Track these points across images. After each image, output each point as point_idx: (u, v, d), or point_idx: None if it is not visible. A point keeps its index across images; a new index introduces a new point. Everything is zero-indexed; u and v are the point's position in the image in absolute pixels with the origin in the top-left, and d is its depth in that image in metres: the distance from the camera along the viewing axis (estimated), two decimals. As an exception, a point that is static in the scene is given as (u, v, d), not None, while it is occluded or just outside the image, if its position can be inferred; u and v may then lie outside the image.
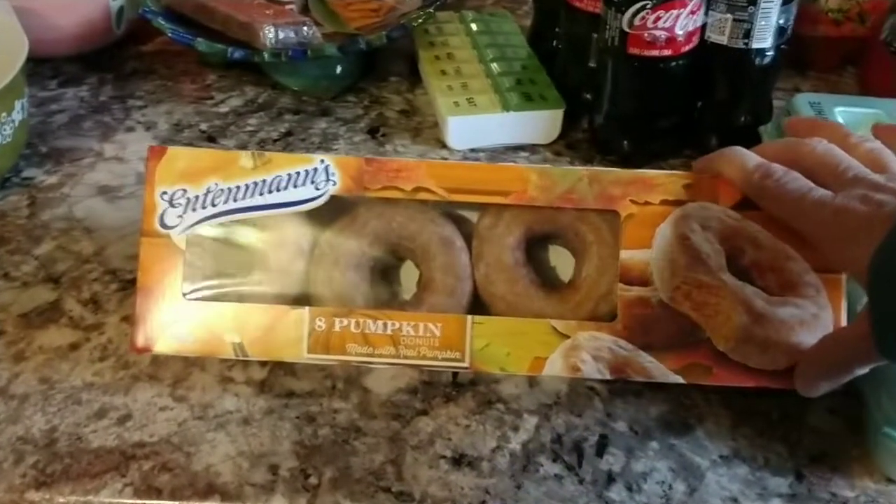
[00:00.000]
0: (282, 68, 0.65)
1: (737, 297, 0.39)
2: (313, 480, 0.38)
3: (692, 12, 0.52)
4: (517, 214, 0.42)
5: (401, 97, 0.67)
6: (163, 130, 0.62)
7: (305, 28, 0.62)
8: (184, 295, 0.40)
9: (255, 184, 0.41)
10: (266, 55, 0.60)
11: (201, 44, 0.60)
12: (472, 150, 0.60)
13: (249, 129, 0.62)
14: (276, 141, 0.61)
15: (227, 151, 0.42)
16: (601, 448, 0.40)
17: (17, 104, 0.54)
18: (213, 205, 0.41)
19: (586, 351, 0.39)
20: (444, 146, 0.61)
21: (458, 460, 0.39)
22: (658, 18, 0.52)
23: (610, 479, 0.38)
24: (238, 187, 0.41)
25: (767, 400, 0.42)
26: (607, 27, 0.54)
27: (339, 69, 0.66)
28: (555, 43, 0.65)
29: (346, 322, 0.40)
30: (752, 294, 0.39)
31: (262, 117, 0.64)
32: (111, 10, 0.66)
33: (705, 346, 0.39)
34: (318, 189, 0.41)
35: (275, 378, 0.43)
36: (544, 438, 0.40)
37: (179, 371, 0.43)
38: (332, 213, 0.41)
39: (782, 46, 0.56)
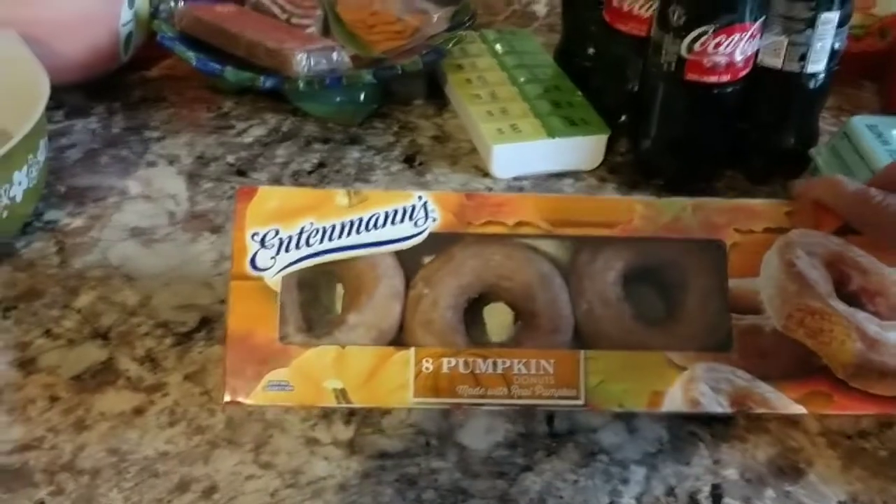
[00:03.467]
0: (305, 94, 0.62)
1: (850, 323, 0.38)
2: (428, 551, 0.35)
3: (753, 36, 0.51)
4: (617, 249, 0.40)
5: (430, 122, 0.64)
6: (187, 164, 0.58)
7: (335, 54, 0.59)
8: (280, 339, 0.37)
9: (352, 222, 0.38)
10: (301, 84, 0.57)
11: (231, 73, 0.57)
12: (516, 179, 0.58)
13: (279, 160, 0.59)
14: (310, 173, 0.58)
15: (320, 190, 0.39)
16: (717, 499, 0.38)
17: (41, 143, 0.50)
18: (308, 244, 0.38)
19: (704, 382, 0.38)
20: (485, 174, 0.59)
21: (572, 520, 0.37)
22: (719, 44, 0.50)
23: (737, 530, 0.37)
24: (334, 226, 0.38)
25: (871, 438, 0.41)
26: (663, 52, 0.52)
27: (363, 95, 0.63)
28: (587, 63, 0.64)
29: (454, 362, 0.38)
30: (864, 319, 0.38)
31: (290, 147, 0.61)
32: (120, 36, 0.62)
33: (823, 373, 0.38)
34: (417, 226, 0.39)
35: (363, 438, 0.40)
36: (657, 491, 0.38)
37: (259, 433, 0.40)
38: (427, 251, 0.39)
39: (833, 68, 0.55)
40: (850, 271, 0.40)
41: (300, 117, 0.64)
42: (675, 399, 0.38)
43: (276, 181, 0.57)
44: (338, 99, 0.63)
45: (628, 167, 0.60)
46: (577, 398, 0.37)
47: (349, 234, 0.38)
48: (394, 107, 0.66)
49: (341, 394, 0.37)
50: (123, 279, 0.49)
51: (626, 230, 0.40)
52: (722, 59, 0.51)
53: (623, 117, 0.61)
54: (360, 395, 0.37)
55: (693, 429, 0.41)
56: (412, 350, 0.37)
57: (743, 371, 0.38)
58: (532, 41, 0.70)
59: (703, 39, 0.50)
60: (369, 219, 0.38)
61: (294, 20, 0.65)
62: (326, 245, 0.38)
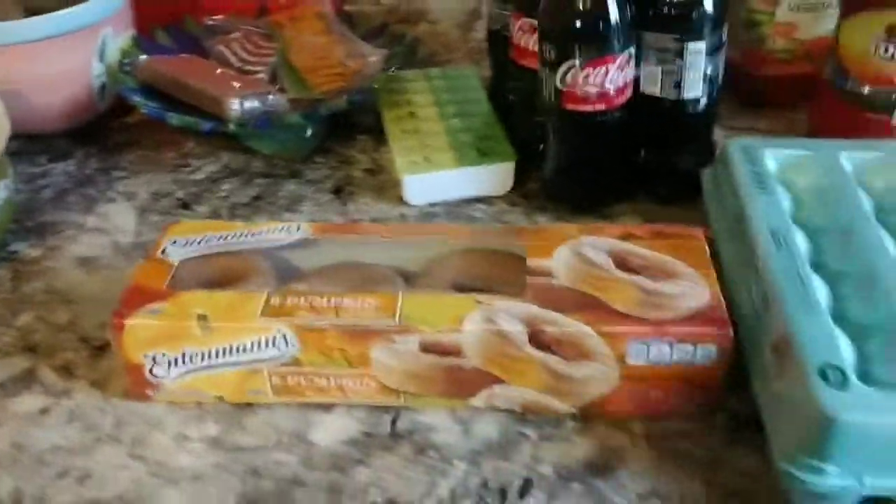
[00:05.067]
0: (253, 134, 0.69)
1: (628, 281, 0.46)
2: (254, 531, 0.40)
3: (620, 68, 0.55)
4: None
5: (367, 156, 0.70)
6: (142, 200, 0.66)
7: (270, 97, 0.66)
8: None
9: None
10: (233, 126, 0.64)
11: (173, 118, 0.65)
12: (431, 205, 0.63)
13: (222, 194, 0.66)
14: (245, 205, 0.65)
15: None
16: (524, 492, 0.42)
17: (1, 184, 0.58)
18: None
19: (501, 310, 0.44)
20: (403, 202, 0.64)
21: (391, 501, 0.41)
22: (588, 76, 0.54)
23: (530, 519, 0.41)
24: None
25: (694, 439, 0.44)
26: (545, 85, 0.57)
27: (308, 132, 0.70)
28: (511, 97, 0.68)
29: (297, 299, 0.45)
30: (641, 280, 0.46)
31: (235, 182, 0.68)
32: (93, 87, 0.71)
33: (606, 309, 0.44)
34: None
35: (226, 434, 0.46)
36: (471, 483, 0.42)
37: (139, 431, 0.46)
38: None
39: (714, 94, 0.58)
40: (631, 258, 0.47)
41: (251, 155, 0.71)
42: (474, 320, 0.43)
43: (216, 213, 0.64)
44: (285, 137, 0.69)
45: (537, 193, 0.64)
46: (392, 322, 0.43)
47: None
48: (338, 142, 0.72)
49: (203, 318, 0.44)
50: (62, 301, 0.56)
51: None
52: (593, 90, 0.55)
53: (541, 146, 0.66)
54: (218, 316, 0.44)
55: (523, 430, 0.45)
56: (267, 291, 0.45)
57: (537, 304, 0.44)
58: (473, 79, 0.75)
59: (572, 72, 0.55)
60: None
61: (247, 67, 0.72)
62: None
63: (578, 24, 0.53)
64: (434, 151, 0.64)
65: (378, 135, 0.72)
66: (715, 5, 0.55)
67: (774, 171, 0.54)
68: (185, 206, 0.65)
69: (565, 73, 0.55)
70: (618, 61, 0.54)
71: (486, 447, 0.44)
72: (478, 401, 0.46)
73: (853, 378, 0.38)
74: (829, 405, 0.37)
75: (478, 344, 0.44)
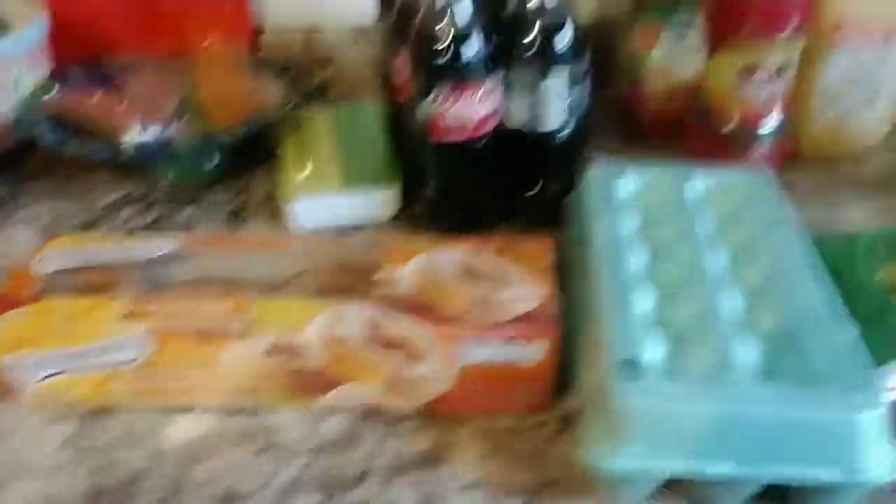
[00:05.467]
0: (157, 164, 0.72)
1: (469, 291, 0.49)
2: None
3: (482, 100, 0.59)
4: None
5: (265, 184, 0.73)
6: (45, 224, 0.69)
7: (171, 127, 0.69)
8: None
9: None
10: (126, 154, 0.67)
11: (73, 147, 0.68)
12: (319, 229, 0.66)
13: (122, 218, 0.69)
14: (143, 228, 0.68)
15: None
16: (359, 481, 0.44)
17: None
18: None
19: (346, 314, 0.47)
20: (293, 227, 0.67)
21: (227, 497, 0.43)
22: (450, 106, 0.58)
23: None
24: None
25: (524, 435, 0.47)
26: (416, 115, 0.61)
27: (212, 163, 0.73)
28: (400, 129, 0.72)
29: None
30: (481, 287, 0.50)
31: (137, 207, 0.70)
32: (7, 120, 0.74)
33: (442, 318, 0.47)
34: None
35: (83, 435, 0.48)
36: (310, 475, 0.45)
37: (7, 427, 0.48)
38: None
39: (578, 124, 0.62)
40: (477, 268, 0.51)
41: (153, 184, 0.74)
42: (318, 323, 0.47)
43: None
44: (188, 166, 0.73)
45: (420, 218, 0.67)
46: (241, 324, 0.46)
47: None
48: (240, 172, 0.75)
49: (64, 322, 0.47)
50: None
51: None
52: (455, 120, 0.59)
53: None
54: (77, 320, 0.48)
55: (366, 427, 0.48)
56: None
57: (379, 308, 0.47)
58: (371, 114, 0.78)
59: (435, 104, 0.58)
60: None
61: (156, 102, 0.76)
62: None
63: (440, 57, 0.57)
64: (322, 177, 0.67)
65: (278, 165, 0.75)
66: (573, 39, 0.59)
67: (628, 193, 0.58)
68: (85, 230, 0.68)
69: (431, 104, 0.59)
70: (480, 93, 0.58)
71: (329, 443, 0.47)
72: (326, 400, 0.48)
73: (650, 370, 0.41)
74: (623, 393, 0.40)
75: (321, 345, 0.46)
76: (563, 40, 0.59)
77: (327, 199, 0.66)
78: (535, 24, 0.59)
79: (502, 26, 0.59)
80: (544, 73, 0.59)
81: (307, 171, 0.68)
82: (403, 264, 0.51)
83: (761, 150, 0.69)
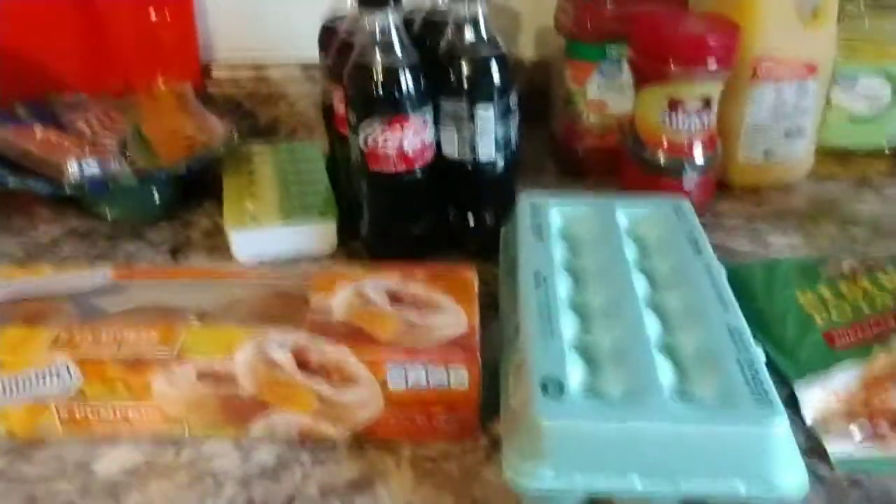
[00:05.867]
0: (102, 200, 0.73)
1: (394, 314, 0.50)
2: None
3: (416, 132, 0.60)
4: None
5: (209, 220, 0.74)
6: (-18, 259, 0.69)
7: (111, 163, 0.70)
8: None
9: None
10: (68, 189, 0.68)
11: (11, 182, 0.68)
12: (260, 262, 0.67)
13: (64, 254, 0.69)
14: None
15: None
16: (287, 509, 0.45)
17: None
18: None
19: (272, 340, 0.48)
20: (234, 261, 0.67)
21: (155, 525, 0.44)
22: (386, 139, 0.60)
23: (285, 534, 0.43)
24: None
25: (454, 459, 0.47)
26: (352, 148, 0.62)
27: (156, 198, 0.74)
28: (340, 164, 0.74)
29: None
30: (406, 312, 0.51)
31: (79, 243, 0.71)
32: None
33: (371, 340, 0.48)
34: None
35: (12, 466, 0.48)
36: (239, 502, 0.45)
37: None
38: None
39: (510, 156, 0.64)
40: (404, 295, 0.51)
41: (97, 220, 0.74)
42: (246, 349, 0.47)
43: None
44: (132, 203, 0.73)
45: (360, 251, 0.68)
46: (169, 352, 0.47)
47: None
48: (184, 208, 0.76)
49: None
50: None
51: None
52: (391, 152, 0.60)
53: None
54: (5, 350, 0.48)
55: (298, 455, 0.48)
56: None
57: (307, 334, 0.47)
58: (315, 151, 0.80)
59: (371, 136, 0.60)
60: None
61: (99, 139, 0.76)
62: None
63: (374, 90, 0.59)
64: (263, 212, 0.68)
65: (221, 200, 0.76)
66: (501, 73, 0.61)
67: (558, 223, 0.60)
68: (23, 263, 0.68)
69: (366, 137, 0.60)
70: (413, 125, 0.60)
71: (259, 471, 0.47)
72: (257, 429, 0.49)
73: (570, 390, 0.43)
74: (543, 412, 0.41)
75: (249, 371, 0.47)
76: (493, 76, 0.61)
77: (267, 232, 0.67)
78: (466, 60, 0.61)
79: (435, 62, 0.61)
80: (475, 107, 0.61)
81: (249, 206, 0.69)
82: (334, 292, 0.52)
83: (691, 181, 0.71)
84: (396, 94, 0.59)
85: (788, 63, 0.72)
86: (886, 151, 0.80)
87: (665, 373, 0.45)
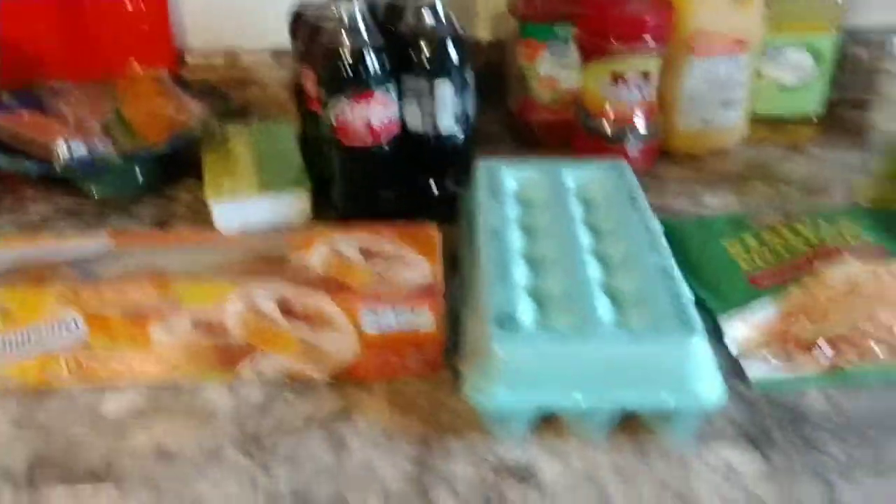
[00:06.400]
0: (89, 179, 0.78)
1: (366, 267, 0.57)
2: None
3: (381, 106, 0.66)
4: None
5: (191, 196, 0.80)
6: (-23, 236, 0.73)
7: (97, 143, 0.75)
8: None
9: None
10: (59, 169, 0.73)
11: (5, 163, 0.73)
12: (241, 232, 0.73)
13: (53, 231, 0.74)
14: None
15: None
16: (276, 438, 0.51)
17: None
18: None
19: (259, 291, 0.53)
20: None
21: (160, 457, 0.49)
22: (353, 112, 0.66)
23: (276, 456, 0.49)
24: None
25: (423, 393, 0.54)
26: (323, 123, 0.68)
27: (140, 176, 0.79)
28: (311, 140, 0.79)
29: None
30: (379, 267, 0.55)
31: (67, 221, 0.76)
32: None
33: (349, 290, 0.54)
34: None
35: (26, 412, 0.53)
36: (232, 433, 0.51)
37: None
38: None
39: (468, 127, 0.70)
40: (373, 250, 0.57)
41: (84, 198, 0.79)
42: (235, 299, 0.53)
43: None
44: (117, 182, 0.78)
45: (330, 218, 0.74)
46: (166, 304, 0.53)
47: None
48: (168, 186, 0.81)
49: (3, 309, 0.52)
50: None
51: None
52: (359, 124, 0.66)
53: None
54: (16, 306, 0.53)
55: (283, 393, 0.54)
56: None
57: (290, 285, 0.53)
58: (287, 130, 0.85)
59: (341, 112, 0.66)
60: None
61: (84, 123, 0.81)
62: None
63: (343, 71, 0.65)
64: (242, 185, 0.74)
65: (202, 177, 0.81)
66: (457, 52, 0.67)
67: (512, 186, 0.66)
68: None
69: (337, 113, 0.66)
70: (378, 100, 0.66)
71: (249, 407, 0.53)
72: (247, 372, 0.55)
73: (521, 323, 0.49)
74: (498, 342, 0.48)
75: (239, 319, 0.53)
76: (449, 54, 0.67)
77: (246, 203, 0.72)
78: (425, 40, 0.67)
79: (398, 43, 0.67)
80: (434, 83, 0.67)
81: (228, 180, 0.75)
82: (311, 250, 0.57)
83: (634, 147, 0.78)
84: (363, 73, 0.65)
85: (721, 39, 0.79)
86: (814, 118, 0.87)
87: (605, 308, 0.52)
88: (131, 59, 0.91)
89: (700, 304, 0.60)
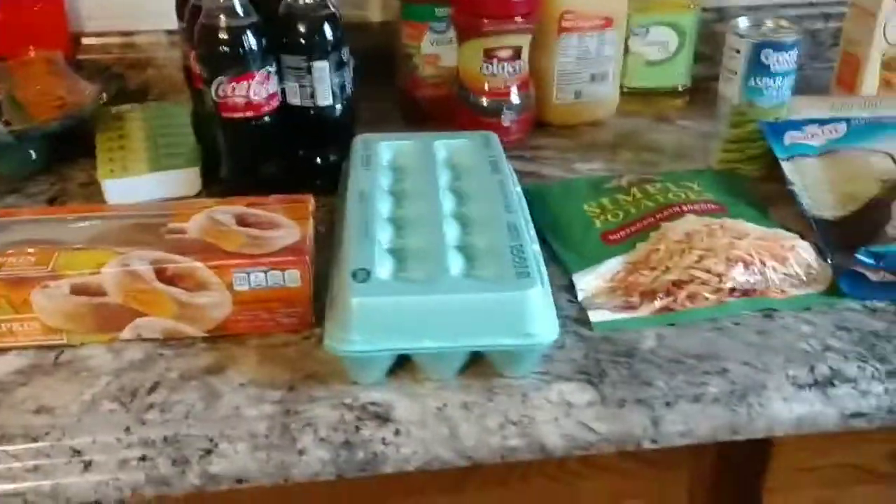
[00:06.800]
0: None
1: (241, 230, 0.60)
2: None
3: (260, 82, 0.70)
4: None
5: (84, 173, 0.82)
6: None
7: (-13, 124, 0.77)
8: None
9: None
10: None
11: None
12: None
13: (-55, 209, 0.76)
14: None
15: None
16: (151, 391, 0.54)
17: None
18: None
19: (135, 257, 0.57)
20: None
21: (39, 410, 0.53)
22: (233, 89, 0.69)
23: (150, 407, 0.53)
24: None
25: (292, 346, 0.58)
26: (207, 99, 0.71)
27: (33, 155, 0.81)
28: (200, 116, 0.82)
29: None
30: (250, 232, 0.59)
31: (-41, 199, 0.78)
32: None
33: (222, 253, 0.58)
34: None
35: None
36: (111, 389, 0.54)
37: None
38: None
39: (346, 102, 0.74)
40: (249, 217, 0.61)
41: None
42: (112, 265, 0.56)
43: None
44: (10, 160, 0.80)
45: (223, 192, 0.77)
46: (45, 270, 0.55)
47: None
48: (61, 164, 0.83)
49: None
50: None
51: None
52: (239, 100, 0.70)
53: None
54: None
55: (162, 351, 0.58)
56: None
57: (164, 252, 0.57)
58: (181, 110, 0.88)
59: (221, 87, 0.69)
60: None
61: (-23, 103, 0.83)
62: None
63: (221, 48, 0.68)
64: (132, 162, 0.77)
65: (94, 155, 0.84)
66: (333, 33, 0.71)
67: (387, 156, 0.70)
68: None
69: (217, 88, 0.69)
70: (257, 77, 0.69)
71: (129, 365, 0.57)
72: (127, 333, 0.58)
73: (375, 277, 0.53)
74: (352, 292, 0.52)
75: (115, 282, 0.56)
76: (326, 33, 0.71)
77: (136, 180, 0.75)
78: (301, 20, 0.71)
79: (275, 21, 0.71)
80: (311, 61, 0.71)
81: (119, 158, 0.78)
82: (189, 219, 0.61)
83: (509, 119, 0.83)
84: (240, 52, 0.68)
85: (588, 17, 0.85)
86: (680, 89, 0.94)
87: (457, 263, 0.56)
88: (25, 44, 0.92)
89: (559, 260, 0.66)
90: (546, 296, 0.54)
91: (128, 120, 0.86)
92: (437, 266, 0.55)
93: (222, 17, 0.68)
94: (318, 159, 0.77)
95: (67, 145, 0.84)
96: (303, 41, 0.71)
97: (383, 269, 0.56)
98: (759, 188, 0.75)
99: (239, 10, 0.68)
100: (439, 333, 0.53)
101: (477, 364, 0.55)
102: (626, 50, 0.91)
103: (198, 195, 0.77)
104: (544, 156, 0.85)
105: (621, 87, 0.93)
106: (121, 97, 0.89)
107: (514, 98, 0.83)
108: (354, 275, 0.53)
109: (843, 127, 0.72)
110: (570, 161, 0.84)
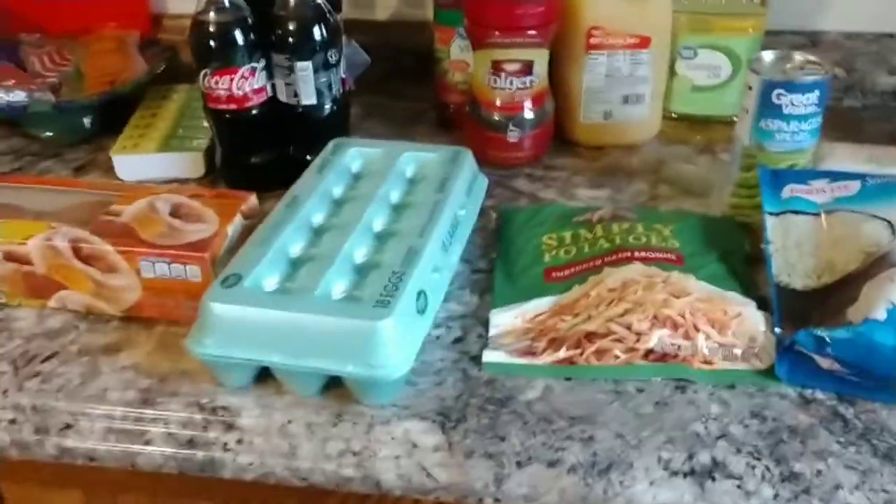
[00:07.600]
0: (34, 121, 0.88)
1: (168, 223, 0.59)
2: None
3: (243, 77, 0.72)
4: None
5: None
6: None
7: (35, 92, 0.85)
8: None
9: None
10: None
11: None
12: (139, 181, 0.80)
13: (-9, 166, 0.85)
14: (4, 174, 0.83)
15: None
16: (45, 360, 0.58)
17: None
18: None
19: (60, 233, 0.60)
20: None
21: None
22: (217, 81, 0.71)
23: (35, 375, 0.57)
24: None
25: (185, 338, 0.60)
26: (199, 91, 0.74)
27: (87, 124, 0.89)
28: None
29: None
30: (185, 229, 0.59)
31: (6, 159, 0.86)
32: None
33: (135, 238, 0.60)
34: None
35: None
36: (16, 351, 0.59)
37: None
38: None
39: (332, 102, 0.74)
40: (182, 208, 0.63)
41: (31, 140, 0.89)
42: (38, 238, 0.60)
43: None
44: (63, 126, 0.88)
45: (217, 176, 0.80)
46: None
47: None
48: (108, 134, 0.90)
49: None
50: None
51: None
52: (223, 93, 0.72)
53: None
54: None
55: (78, 324, 0.61)
56: None
57: (85, 231, 0.60)
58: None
59: (206, 78, 0.72)
60: None
61: (46, 73, 0.92)
62: None
63: (206, 41, 0.71)
64: (147, 140, 0.82)
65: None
66: (321, 33, 0.71)
67: (357, 162, 0.70)
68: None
69: (203, 79, 0.72)
70: (240, 72, 0.71)
71: (43, 333, 0.61)
72: (53, 302, 0.62)
73: (244, 284, 0.54)
74: (211, 297, 0.53)
75: (38, 254, 0.60)
76: (312, 34, 0.71)
77: (143, 158, 0.80)
78: (287, 21, 0.71)
79: (266, 20, 0.72)
80: (294, 61, 0.72)
81: (137, 135, 0.83)
82: (132, 203, 0.64)
83: (516, 135, 0.79)
84: (224, 45, 0.70)
85: (619, 34, 0.79)
86: (733, 119, 0.85)
87: (344, 281, 0.55)
88: (108, 20, 1.00)
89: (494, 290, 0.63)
90: (404, 328, 0.51)
91: (170, 100, 0.91)
92: (317, 281, 0.54)
93: (211, 12, 0.70)
94: (308, 157, 0.77)
95: (116, 117, 0.90)
96: (289, 40, 0.72)
97: (270, 277, 0.56)
98: (757, 241, 0.66)
99: (227, 5, 0.70)
100: (287, 350, 0.52)
101: (342, 387, 0.54)
102: (673, 72, 0.84)
103: (200, 179, 0.81)
104: (552, 177, 0.80)
105: (669, 111, 0.86)
106: (182, 76, 0.94)
107: (528, 114, 0.79)
108: (224, 280, 0.54)
109: (856, 185, 0.62)
110: (574, 186, 0.79)
